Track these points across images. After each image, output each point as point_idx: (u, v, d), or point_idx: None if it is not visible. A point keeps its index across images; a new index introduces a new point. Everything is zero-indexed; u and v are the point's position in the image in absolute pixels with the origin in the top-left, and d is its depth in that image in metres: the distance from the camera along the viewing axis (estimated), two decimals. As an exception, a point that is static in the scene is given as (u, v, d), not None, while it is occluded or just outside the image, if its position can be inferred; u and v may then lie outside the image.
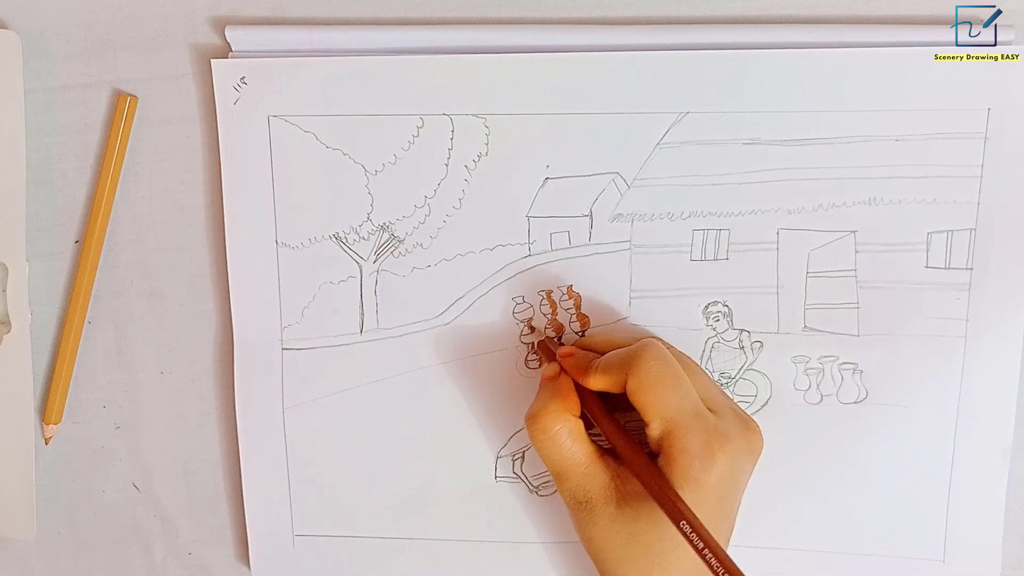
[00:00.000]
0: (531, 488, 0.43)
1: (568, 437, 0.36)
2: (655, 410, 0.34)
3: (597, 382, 0.36)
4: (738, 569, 0.31)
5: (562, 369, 0.38)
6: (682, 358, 0.38)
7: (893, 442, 0.41)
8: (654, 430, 0.35)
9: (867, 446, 0.41)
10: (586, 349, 0.39)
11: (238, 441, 0.43)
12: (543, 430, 0.36)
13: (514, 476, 0.43)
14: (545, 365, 0.39)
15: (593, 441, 0.37)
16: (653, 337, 0.39)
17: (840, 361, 0.41)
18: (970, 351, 0.40)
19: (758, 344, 0.41)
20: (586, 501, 0.36)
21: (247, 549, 0.44)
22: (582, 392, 0.37)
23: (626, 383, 0.35)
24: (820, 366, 0.41)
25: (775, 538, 0.42)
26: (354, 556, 0.44)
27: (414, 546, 0.44)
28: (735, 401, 0.39)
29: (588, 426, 0.37)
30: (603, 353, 0.37)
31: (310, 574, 0.44)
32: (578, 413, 0.37)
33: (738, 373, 0.41)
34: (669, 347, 0.38)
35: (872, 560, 0.42)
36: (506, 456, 0.43)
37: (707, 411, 0.35)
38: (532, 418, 0.37)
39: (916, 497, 0.41)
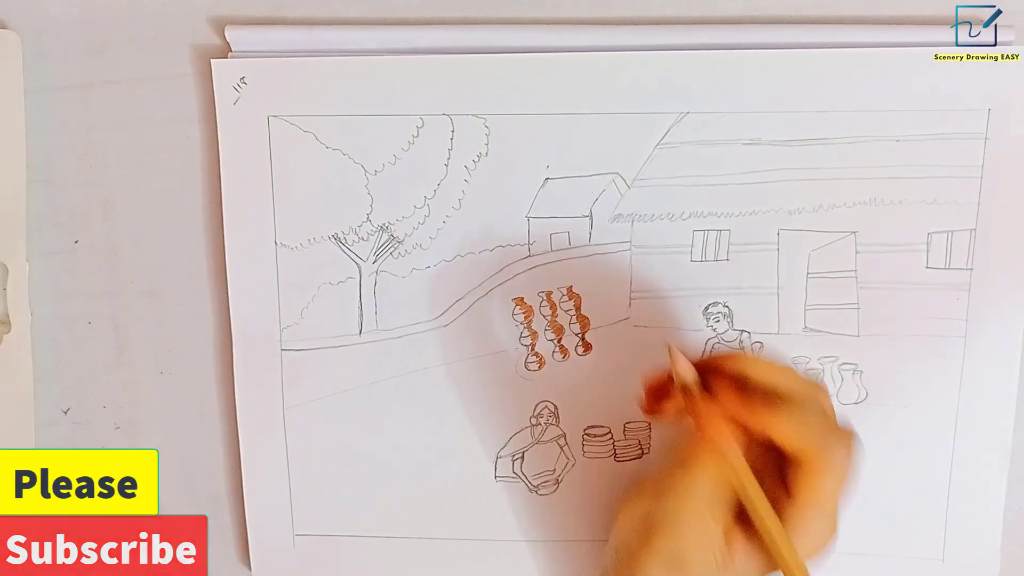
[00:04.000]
0: (531, 488, 0.43)
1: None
2: (814, 496, 0.32)
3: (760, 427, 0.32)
4: None
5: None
6: (816, 388, 0.34)
7: (893, 442, 0.41)
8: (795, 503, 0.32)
9: (867, 446, 0.41)
10: (725, 372, 0.33)
11: (238, 441, 0.43)
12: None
13: (514, 476, 0.43)
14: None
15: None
16: (820, 396, 0.33)
17: (840, 361, 0.41)
18: (970, 351, 0.40)
19: (758, 345, 0.41)
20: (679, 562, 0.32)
21: (247, 549, 0.44)
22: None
23: (803, 472, 0.31)
24: (820, 366, 0.41)
25: (775, 538, 0.42)
26: (354, 556, 0.44)
27: (414, 546, 0.44)
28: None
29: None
30: (749, 383, 0.32)
31: (310, 574, 0.44)
32: None
33: (738, 373, 0.41)
34: (804, 382, 0.33)
35: (872, 560, 0.42)
36: (506, 456, 0.43)
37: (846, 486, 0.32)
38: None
39: (915, 497, 0.41)
